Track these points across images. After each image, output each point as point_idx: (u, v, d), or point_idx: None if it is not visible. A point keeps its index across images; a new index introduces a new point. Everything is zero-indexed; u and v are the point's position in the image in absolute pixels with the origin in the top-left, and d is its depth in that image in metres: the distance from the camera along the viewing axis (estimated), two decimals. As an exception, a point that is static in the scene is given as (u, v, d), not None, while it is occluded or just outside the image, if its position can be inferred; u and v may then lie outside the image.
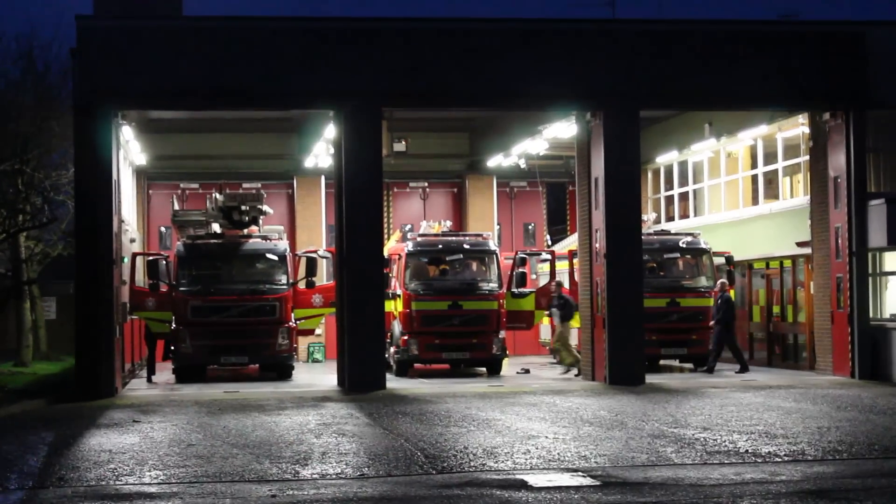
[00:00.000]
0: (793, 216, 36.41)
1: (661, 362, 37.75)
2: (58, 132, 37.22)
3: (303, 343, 41.60)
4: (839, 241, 32.59)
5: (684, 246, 37.72)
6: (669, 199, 44.91)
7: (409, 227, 41.28)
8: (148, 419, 24.48)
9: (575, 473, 17.05)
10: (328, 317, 37.31)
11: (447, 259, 36.60)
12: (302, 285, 36.18)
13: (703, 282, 37.18)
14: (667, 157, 43.72)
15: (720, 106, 35.20)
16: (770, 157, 38.57)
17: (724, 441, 20.04)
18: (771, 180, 39.01)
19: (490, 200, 47.57)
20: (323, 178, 45.00)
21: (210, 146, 44.40)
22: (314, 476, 17.22)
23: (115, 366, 30.49)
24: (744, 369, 35.07)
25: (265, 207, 37.55)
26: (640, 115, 32.59)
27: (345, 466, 17.96)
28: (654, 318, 34.34)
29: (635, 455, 18.69)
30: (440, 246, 36.88)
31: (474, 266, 36.79)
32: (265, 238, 36.72)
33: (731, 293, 37.68)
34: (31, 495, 16.07)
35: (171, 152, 43.85)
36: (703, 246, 37.57)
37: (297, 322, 36.04)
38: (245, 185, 43.03)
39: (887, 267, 32.75)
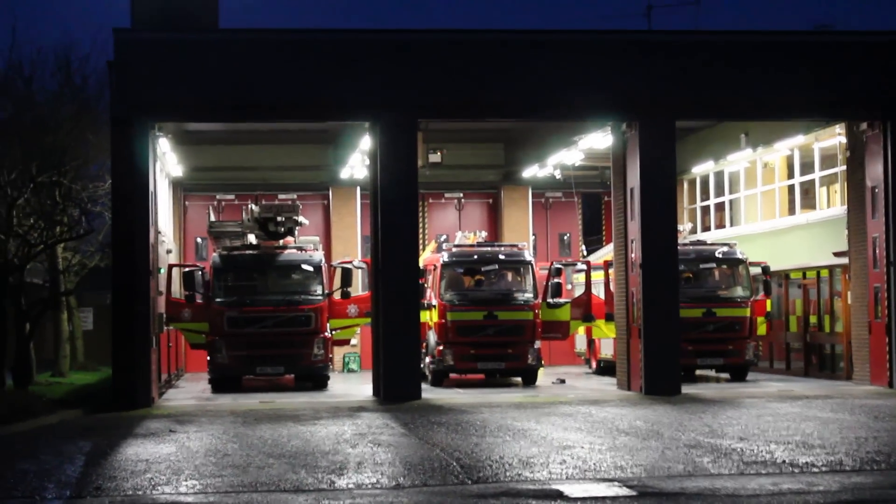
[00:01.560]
0: (829, 226, 36.28)
1: (698, 372, 37.64)
2: (95, 144, 37.34)
3: (338, 353, 41.69)
4: (877, 251, 32.46)
5: (720, 256, 37.63)
6: (705, 210, 44.82)
7: (444, 237, 41.35)
8: (184, 429, 24.54)
9: (611, 483, 17.00)
10: (363, 327, 37.34)
11: (482, 269, 36.62)
12: (337, 296, 36.25)
13: (739, 292, 37.08)
14: (703, 168, 43.64)
15: (756, 116, 35.11)
16: (807, 167, 38.45)
17: (761, 451, 19.95)
18: (807, 190, 38.88)
19: (525, 211, 47.56)
20: (358, 188, 45.11)
21: (246, 157, 44.51)
22: (350, 486, 17.22)
23: (151, 376, 30.60)
24: None
25: (301, 218, 37.61)
26: (675, 125, 32.55)
27: (380, 476, 17.96)
28: (690, 328, 34.27)
29: (671, 465, 18.62)
30: (475, 256, 36.91)
31: (509, 276, 36.79)
32: (301, 249, 36.80)
33: (768, 303, 37.67)
34: (68, 505, 16.13)
35: (207, 164, 43.99)
36: (739, 256, 37.48)
37: (333, 332, 36.10)
38: (281, 197, 43.15)
39: (925, 277, 32.60)
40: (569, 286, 40.18)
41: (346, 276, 36.36)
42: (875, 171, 32.43)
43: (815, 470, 18.09)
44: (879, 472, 18.01)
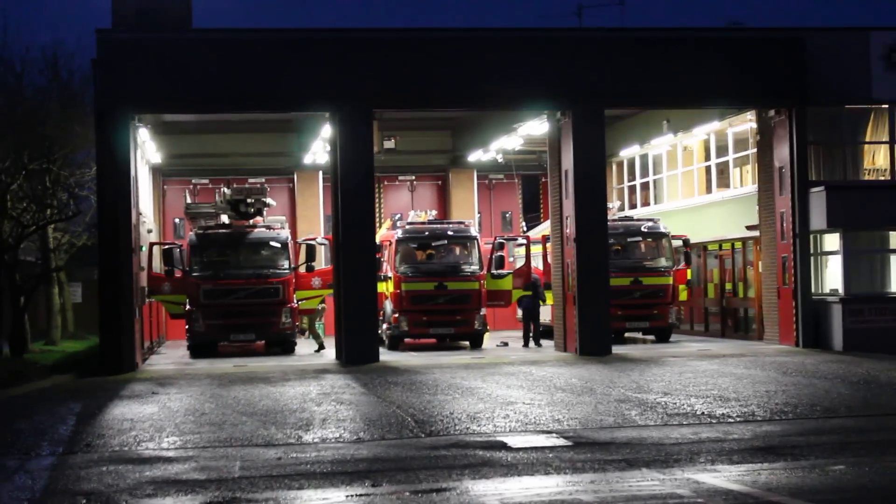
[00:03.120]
0: (742, 203, 36.49)
1: (626, 335, 37.82)
2: (81, 134, 37.10)
3: (304, 321, 41.56)
4: (784, 225, 32.68)
5: (646, 230, 37.79)
6: (632, 189, 44.96)
7: (398, 216, 41.26)
8: (165, 391, 24.48)
9: (549, 435, 17.10)
10: (327, 297, 37.31)
11: (433, 245, 36.63)
12: (303, 269, 36.18)
13: (662, 262, 37.26)
14: (629, 151, 43.77)
15: (677, 105, 35.22)
16: (722, 150, 38.65)
17: (683, 404, 20.09)
18: (723, 171, 39.07)
19: (471, 191, 47.55)
20: (320, 173, 44.99)
21: (218, 145, 44.31)
22: (315, 440, 17.24)
23: (135, 344, 30.50)
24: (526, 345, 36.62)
25: (269, 200, 37.54)
26: (605, 113, 32.66)
27: (343, 431, 17.99)
28: (619, 296, 34.41)
29: (603, 418, 18.74)
30: (426, 233, 36.92)
31: (457, 250, 36.81)
32: (269, 227, 36.72)
33: (688, 272, 37.94)
34: (61, 460, 16.08)
35: (183, 151, 43.75)
36: (662, 230, 37.64)
37: (299, 302, 36.05)
38: (250, 180, 42.88)
39: (827, 247, 32.84)
40: (510, 259, 40.23)
41: (311, 251, 36.33)
42: (782, 153, 32.63)
43: (730, 420, 18.25)
44: (787, 421, 18.19)
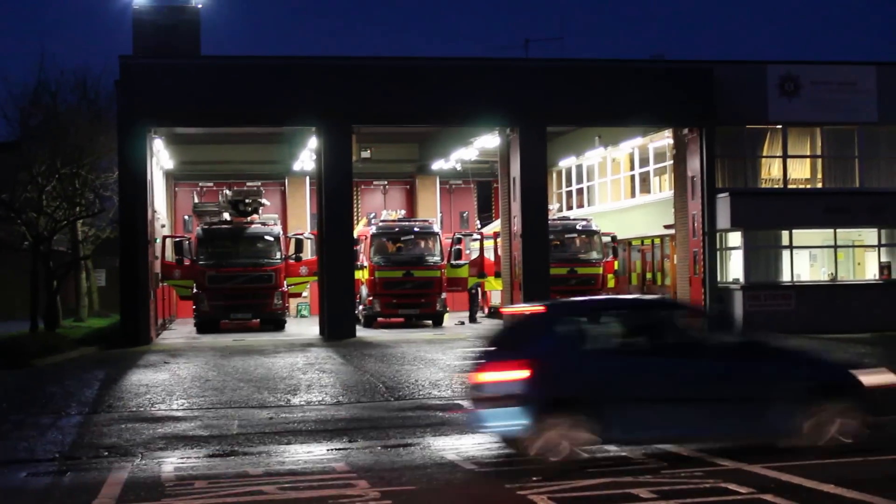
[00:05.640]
0: (661, 206, 36.64)
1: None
2: (105, 144, 36.90)
3: (293, 302, 41.50)
4: (695, 225, 32.86)
5: (580, 228, 37.88)
6: (569, 193, 45.05)
7: (373, 214, 41.25)
8: (175, 361, 24.43)
9: (498, 399, 17.15)
10: (312, 283, 37.25)
11: (402, 239, 36.64)
12: (292, 259, 36.14)
13: (594, 255, 37.33)
14: (567, 162, 43.85)
15: (607, 123, 35.32)
16: (644, 162, 38.78)
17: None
18: (644, 179, 39.22)
19: (434, 194, 47.54)
20: (307, 178, 44.86)
21: (222, 154, 44.08)
22: (301, 403, 17.26)
23: (150, 321, 30.41)
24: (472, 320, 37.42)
25: (264, 200, 37.53)
26: (546, 130, 32.72)
27: (325, 396, 18.00)
28: (557, 282, 34.39)
29: (543, 385, 18.79)
30: (397, 229, 36.93)
31: (422, 244, 36.82)
32: (264, 224, 36.66)
33: (616, 264, 38.12)
34: (86, 419, 16.05)
35: (192, 159, 43.52)
36: (594, 228, 37.74)
37: (289, 287, 35.98)
38: (248, 184, 42.67)
39: (730, 243, 33.03)
40: (467, 251, 40.29)
41: (299, 244, 36.30)
42: (694, 165, 32.80)
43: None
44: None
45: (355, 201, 42.51)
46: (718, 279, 32.48)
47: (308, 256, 36.69)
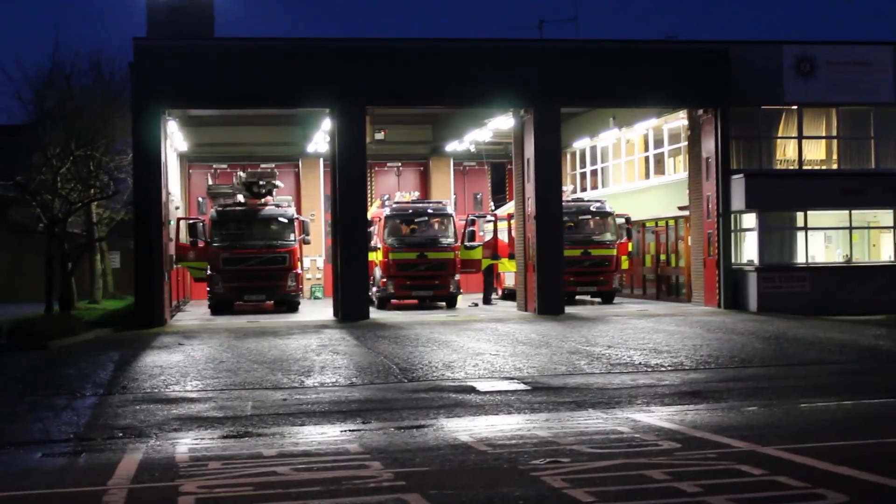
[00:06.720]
0: (675, 187, 36.56)
1: (577, 297, 37.90)
2: (119, 126, 36.86)
3: (307, 284, 41.54)
4: (710, 206, 32.77)
5: (594, 210, 37.84)
6: (583, 175, 45.00)
7: (386, 196, 41.19)
8: (189, 342, 24.46)
9: (512, 381, 17.16)
10: (326, 264, 37.23)
11: (416, 220, 36.61)
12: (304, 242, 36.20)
13: (608, 237, 37.31)
14: (581, 143, 43.78)
15: (621, 104, 35.19)
16: (658, 143, 38.71)
17: (623, 355, 20.17)
18: (659, 160, 39.14)
19: (448, 176, 47.54)
20: (321, 160, 44.89)
21: (235, 136, 44.14)
22: (315, 385, 17.26)
23: (164, 302, 30.46)
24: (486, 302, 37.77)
25: (278, 182, 37.48)
26: (561, 111, 32.62)
27: (339, 377, 18.00)
28: (571, 264, 34.47)
29: (557, 366, 18.80)
30: (410, 211, 36.89)
31: (436, 225, 36.80)
32: (277, 206, 36.66)
33: (629, 245, 38.01)
34: (101, 400, 16.07)
35: (206, 140, 43.56)
36: (608, 209, 37.69)
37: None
38: (262, 166, 42.77)
39: (745, 225, 32.95)
40: (481, 233, 40.25)
41: (303, 226, 36.31)
42: (709, 146, 32.69)
43: (662, 369, 18.34)
44: (710, 370, 18.28)
45: (369, 183, 42.53)
46: (733, 261, 32.41)
47: (309, 239, 36.75)
